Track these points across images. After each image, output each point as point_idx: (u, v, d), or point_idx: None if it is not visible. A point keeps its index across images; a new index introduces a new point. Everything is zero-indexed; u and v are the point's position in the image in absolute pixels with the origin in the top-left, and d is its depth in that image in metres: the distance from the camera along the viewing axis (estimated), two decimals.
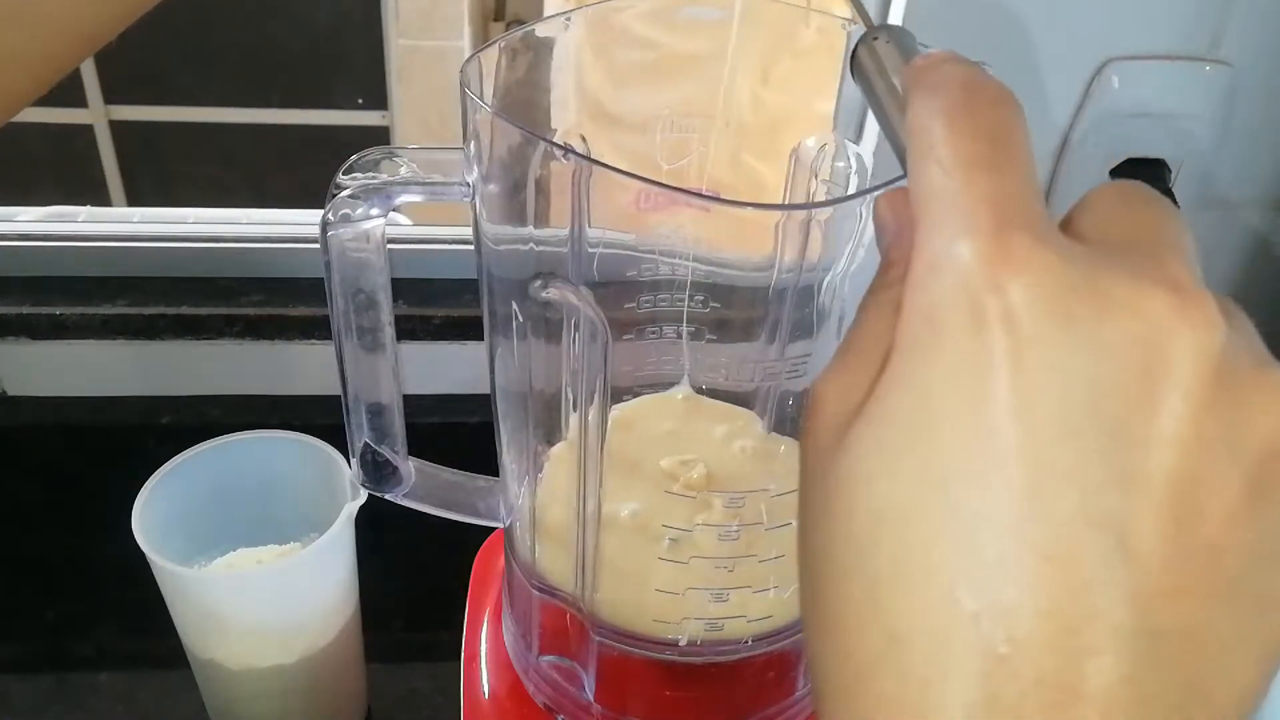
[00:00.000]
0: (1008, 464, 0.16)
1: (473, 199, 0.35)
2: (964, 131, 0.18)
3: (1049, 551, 0.16)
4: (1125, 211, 0.19)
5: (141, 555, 0.46)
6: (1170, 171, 0.53)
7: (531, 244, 0.35)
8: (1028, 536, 0.16)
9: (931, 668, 0.16)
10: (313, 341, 0.64)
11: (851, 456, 0.18)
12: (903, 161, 0.20)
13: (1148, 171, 0.53)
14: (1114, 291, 0.16)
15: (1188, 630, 0.16)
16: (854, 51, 0.24)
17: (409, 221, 0.78)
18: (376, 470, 0.42)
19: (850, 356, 0.19)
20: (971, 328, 0.16)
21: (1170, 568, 0.16)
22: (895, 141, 0.22)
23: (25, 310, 0.62)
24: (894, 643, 0.17)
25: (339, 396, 0.40)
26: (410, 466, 0.43)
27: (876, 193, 0.31)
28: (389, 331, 0.39)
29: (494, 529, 0.48)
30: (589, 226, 0.34)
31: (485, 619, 0.48)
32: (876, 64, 0.23)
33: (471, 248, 0.38)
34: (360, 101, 1.79)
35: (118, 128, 1.79)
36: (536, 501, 0.41)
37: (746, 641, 0.39)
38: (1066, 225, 0.19)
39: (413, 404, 0.42)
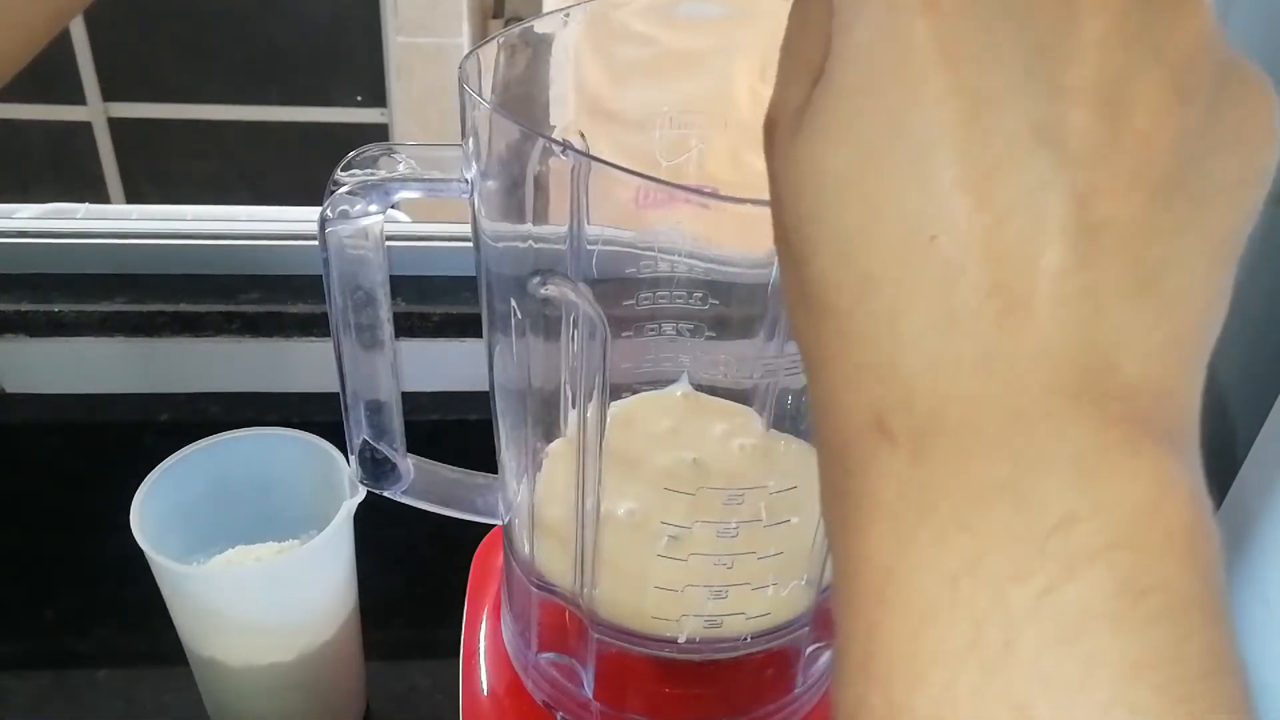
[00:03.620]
0: (945, 100, 0.17)
1: (471, 195, 0.35)
2: None
3: (993, 166, 0.17)
4: None
5: (140, 552, 0.46)
6: None
7: (530, 241, 0.35)
8: (973, 157, 0.17)
9: (899, 298, 0.18)
10: (311, 339, 0.64)
11: (807, 136, 0.19)
12: None
13: None
14: None
15: (1128, 222, 0.17)
16: None
17: (407, 218, 0.78)
18: (375, 467, 0.42)
19: (790, 63, 0.21)
20: None
21: (1106, 164, 0.17)
22: None
23: (23, 308, 0.62)
24: (867, 283, 0.18)
25: (338, 394, 0.40)
26: (409, 464, 0.43)
27: None
28: (387, 329, 0.39)
29: (493, 526, 0.48)
30: (588, 223, 0.34)
31: (484, 616, 0.48)
32: None
33: (470, 245, 0.38)
34: (359, 99, 1.79)
35: (116, 125, 1.79)
36: (535, 499, 0.41)
37: (745, 639, 0.39)
38: None
39: (411, 401, 0.42)
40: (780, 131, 0.20)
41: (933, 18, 0.18)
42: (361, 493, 0.47)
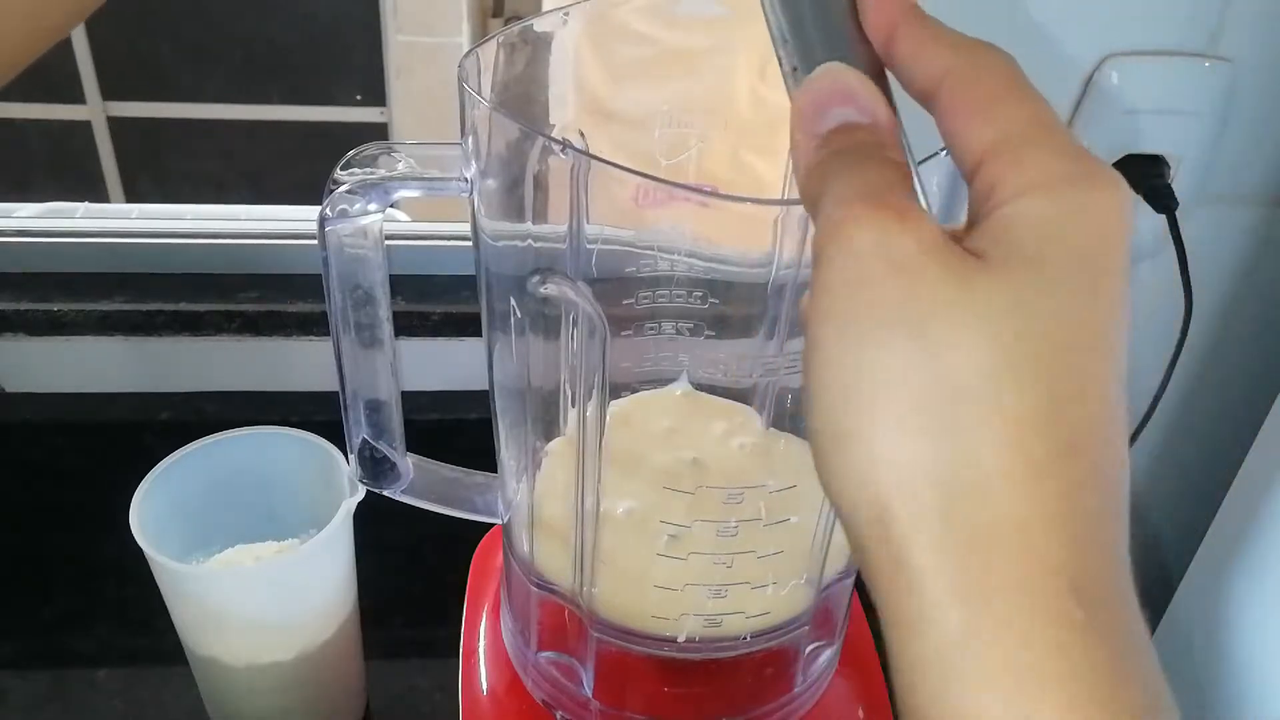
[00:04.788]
0: (903, 354, 0.20)
1: (470, 194, 0.35)
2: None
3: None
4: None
5: (139, 552, 0.46)
6: (1169, 168, 0.53)
7: (530, 240, 0.35)
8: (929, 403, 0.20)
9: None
10: (311, 338, 0.64)
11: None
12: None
13: (1147, 168, 0.53)
14: None
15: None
16: None
17: (407, 217, 0.78)
18: (375, 466, 0.42)
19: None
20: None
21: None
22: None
23: (23, 306, 0.62)
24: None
25: (337, 393, 0.40)
26: (408, 463, 0.43)
27: None
28: (387, 328, 0.39)
29: (492, 525, 0.48)
30: (587, 222, 0.34)
31: (484, 615, 0.48)
32: None
33: (469, 244, 0.38)
34: (359, 98, 1.79)
35: (116, 124, 1.79)
36: (535, 497, 0.41)
37: (745, 638, 0.39)
38: None
39: (411, 400, 0.41)
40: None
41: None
42: (361, 492, 0.47)
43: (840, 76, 0.24)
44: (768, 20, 0.25)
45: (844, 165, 0.22)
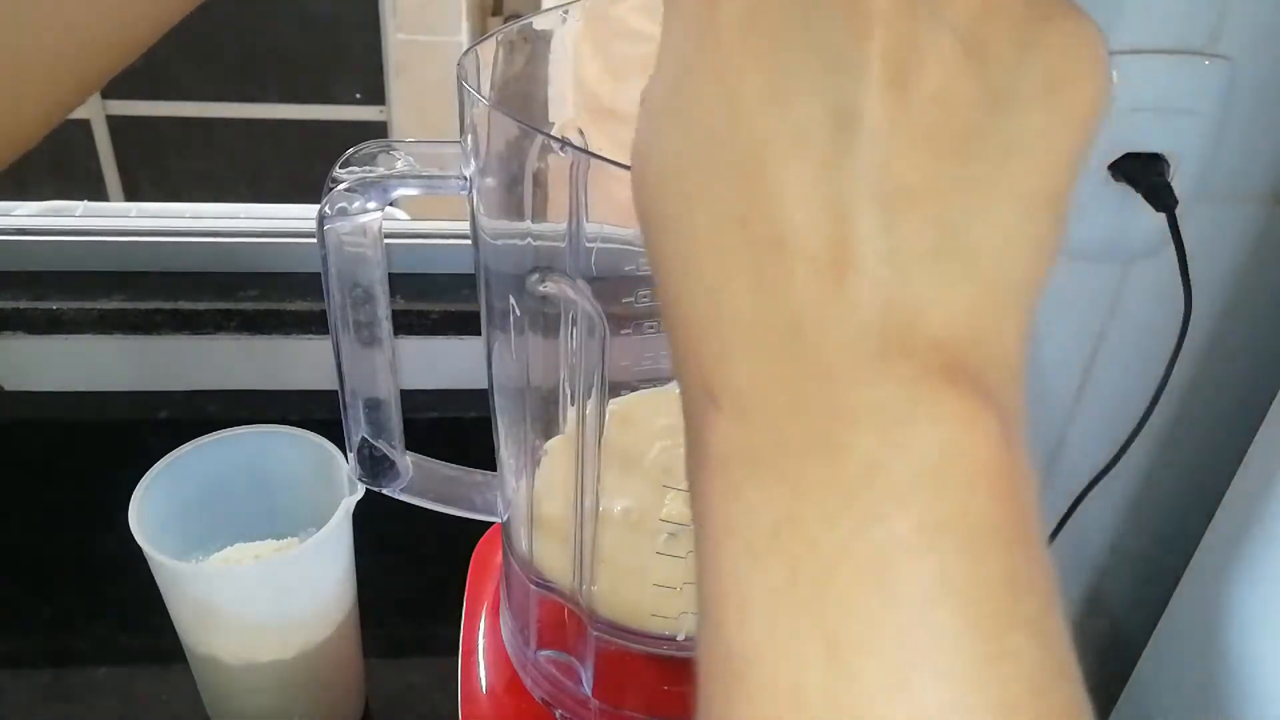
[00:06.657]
0: (748, 80, 0.18)
1: (470, 193, 0.35)
2: None
3: (795, 143, 0.18)
4: None
5: (139, 550, 0.46)
6: (1168, 166, 0.53)
7: (529, 238, 0.35)
8: (774, 137, 0.18)
9: (718, 276, 0.19)
10: (310, 336, 0.64)
11: (640, 122, 0.20)
12: None
13: (1146, 166, 0.53)
14: None
15: (925, 184, 0.18)
16: None
17: (406, 216, 0.78)
18: (374, 465, 0.42)
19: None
20: None
21: (899, 130, 0.17)
22: None
23: (22, 305, 0.62)
24: (689, 262, 0.19)
25: (336, 391, 0.40)
26: (407, 461, 0.43)
27: None
28: (386, 326, 0.39)
29: (491, 524, 0.48)
30: (587, 220, 0.34)
31: (483, 614, 0.48)
32: None
33: (469, 242, 0.38)
34: (358, 96, 1.79)
35: (115, 122, 1.79)
36: (534, 496, 0.41)
37: None
38: None
39: (410, 399, 0.42)
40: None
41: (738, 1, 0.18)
42: (360, 490, 0.47)
43: None
44: None
45: None
